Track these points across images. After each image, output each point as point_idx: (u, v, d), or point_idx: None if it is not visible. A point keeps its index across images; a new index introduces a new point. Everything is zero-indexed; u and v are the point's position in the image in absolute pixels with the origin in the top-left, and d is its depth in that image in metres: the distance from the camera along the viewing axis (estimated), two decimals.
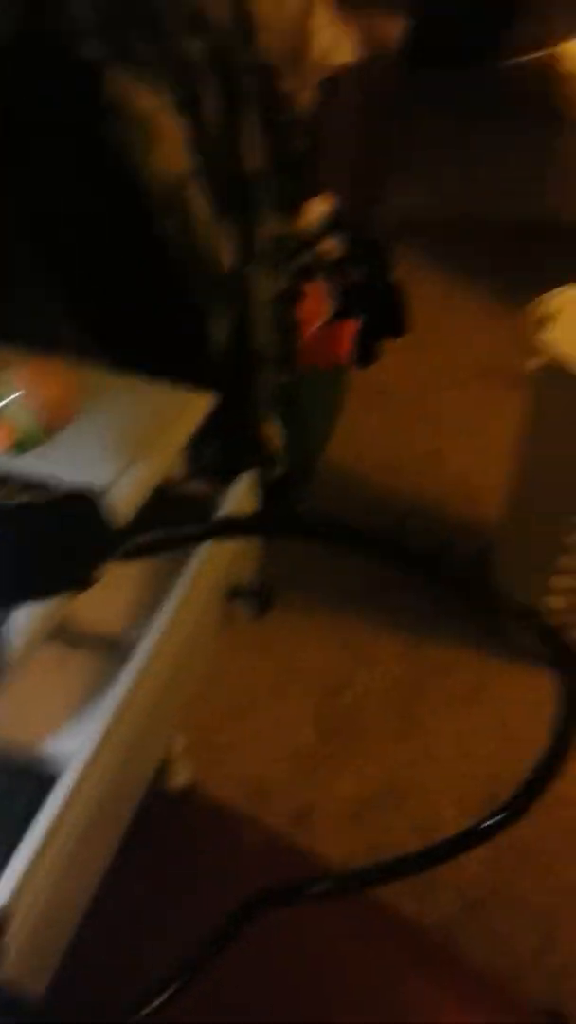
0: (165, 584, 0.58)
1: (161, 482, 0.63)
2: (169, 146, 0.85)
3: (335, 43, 1.86)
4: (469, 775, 1.18)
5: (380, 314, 1.69)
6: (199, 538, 0.51)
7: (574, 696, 0.39)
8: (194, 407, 0.69)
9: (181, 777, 0.99)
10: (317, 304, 1.49)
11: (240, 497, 0.63)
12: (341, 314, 1.52)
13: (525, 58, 4.23)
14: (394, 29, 2.42)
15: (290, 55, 1.83)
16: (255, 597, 0.62)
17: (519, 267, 2.47)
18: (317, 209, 1.70)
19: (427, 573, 0.41)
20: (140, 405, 0.67)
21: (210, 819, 0.81)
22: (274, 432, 1.12)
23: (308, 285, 1.46)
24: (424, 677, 1.31)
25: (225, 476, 1.14)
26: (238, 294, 1.01)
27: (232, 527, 0.50)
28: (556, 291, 1.20)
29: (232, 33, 0.93)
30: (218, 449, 1.11)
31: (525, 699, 1.27)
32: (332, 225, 1.69)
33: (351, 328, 1.48)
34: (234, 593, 0.62)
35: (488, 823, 0.42)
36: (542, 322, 1.13)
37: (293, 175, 1.17)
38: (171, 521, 0.70)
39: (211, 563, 0.60)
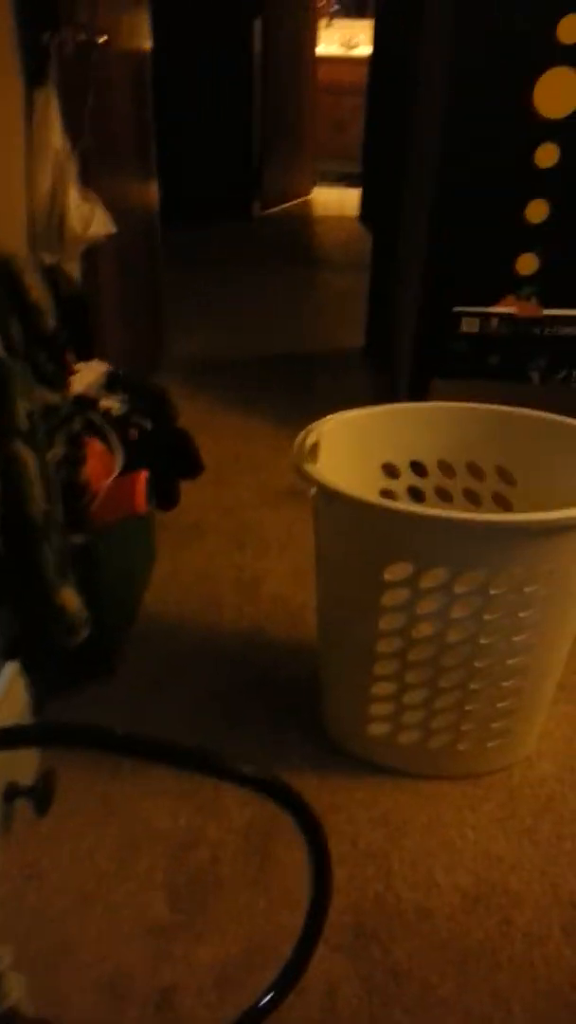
0: None
1: None
2: None
3: (91, 217, 1.98)
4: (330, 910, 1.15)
5: (171, 459, 1.74)
6: None
7: (322, 862, 0.40)
8: None
9: (14, 994, 0.90)
10: (104, 461, 1.52)
11: (3, 694, 0.61)
12: (132, 466, 1.55)
13: (277, 208, 4.74)
14: (149, 194, 2.61)
15: (48, 233, 1.93)
16: (32, 795, 0.59)
17: (301, 392, 2.66)
18: (94, 371, 1.76)
19: (201, 769, 0.41)
20: None
21: None
22: (70, 599, 1.11)
23: (92, 444, 1.49)
24: (273, 815, 1.28)
25: (23, 655, 1.10)
26: (4, 473, 1.01)
27: None
28: (320, 421, 1.29)
29: None
30: (11, 629, 1.07)
31: (371, 815, 1.27)
32: (111, 383, 1.75)
33: (142, 477, 1.51)
34: (10, 794, 0.59)
35: (264, 1001, 0.41)
36: (310, 451, 1.20)
37: (53, 347, 1.22)
38: None
39: None
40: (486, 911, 1.14)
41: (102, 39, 1.90)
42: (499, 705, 1.24)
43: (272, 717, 1.44)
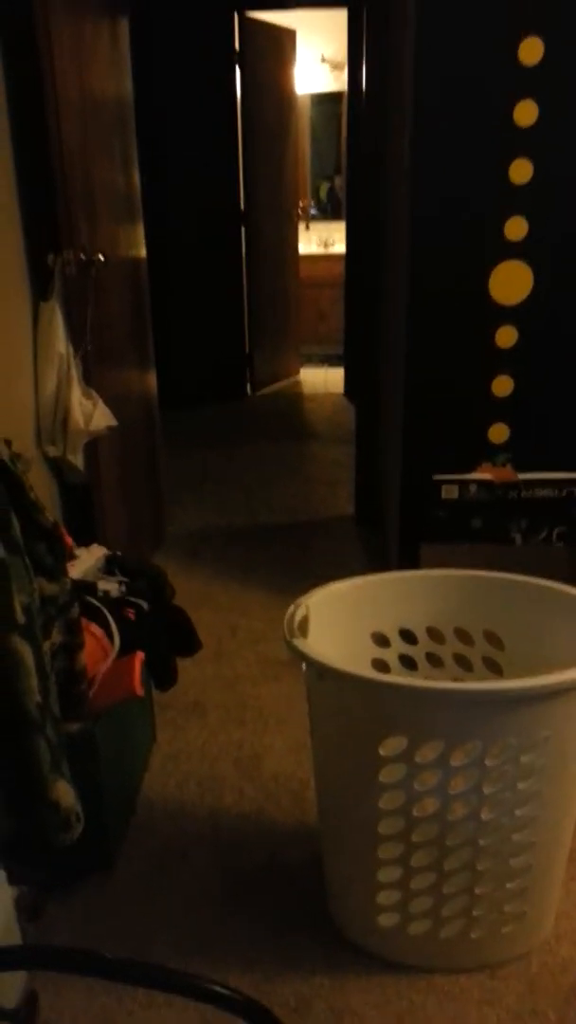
0: None
1: None
2: None
3: (92, 413, 2.13)
4: None
5: (169, 638, 1.77)
6: None
7: None
8: None
9: None
10: (102, 644, 1.54)
11: None
12: (129, 646, 1.57)
13: (268, 388, 5.06)
14: (148, 383, 2.80)
15: (54, 429, 2.06)
16: (15, 1019, 0.57)
17: (297, 561, 2.72)
18: (93, 555, 1.82)
19: (180, 990, 0.41)
20: None
21: None
22: (64, 793, 1.09)
23: (90, 628, 1.52)
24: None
25: (17, 855, 1.08)
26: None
27: None
28: (308, 594, 1.32)
29: None
30: (3, 827, 1.06)
31: (385, 1019, 1.19)
32: (109, 566, 1.81)
33: (139, 659, 1.53)
34: None
35: None
36: (299, 625, 1.23)
37: (52, 540, 1.27)
38: None
39: None
40: None
41: (100, 257, 2.12)
42: (509, 885, 1.19)
43: (278, 909, 1.38)
